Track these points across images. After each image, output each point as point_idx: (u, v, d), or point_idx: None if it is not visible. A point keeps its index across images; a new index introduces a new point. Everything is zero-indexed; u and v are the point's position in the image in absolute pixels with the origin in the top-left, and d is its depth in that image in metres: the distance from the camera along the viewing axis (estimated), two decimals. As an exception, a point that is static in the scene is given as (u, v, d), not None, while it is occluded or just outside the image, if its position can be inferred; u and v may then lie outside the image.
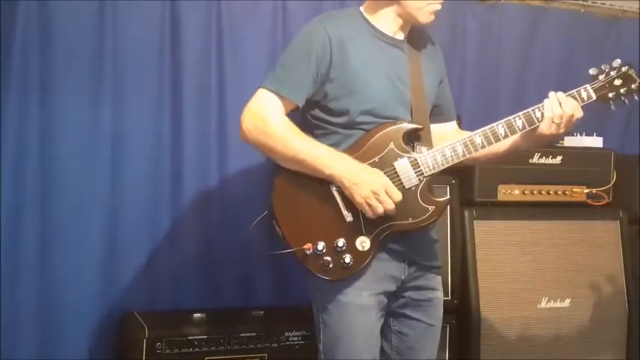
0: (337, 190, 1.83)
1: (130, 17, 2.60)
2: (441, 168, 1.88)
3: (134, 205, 2.62)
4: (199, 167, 2.71)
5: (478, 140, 1.89)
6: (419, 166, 1.86)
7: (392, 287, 1.91)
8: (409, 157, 1.86)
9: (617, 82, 1.93)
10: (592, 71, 1.95)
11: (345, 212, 1.83)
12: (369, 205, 1.79)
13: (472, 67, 3.18)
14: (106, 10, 2.56)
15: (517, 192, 2.87)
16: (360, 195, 1.79)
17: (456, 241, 2.76)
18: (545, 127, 1.88)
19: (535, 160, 2.90)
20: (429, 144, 1.92)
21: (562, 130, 1.89)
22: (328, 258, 1.82)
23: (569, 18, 3.34)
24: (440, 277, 2.04)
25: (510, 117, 1.91)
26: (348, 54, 1.85)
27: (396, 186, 1.83)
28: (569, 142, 3.06)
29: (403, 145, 1.86)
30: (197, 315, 2.51)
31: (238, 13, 2.75)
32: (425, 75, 1.96)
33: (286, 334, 2.47)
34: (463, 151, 1.88)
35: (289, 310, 2.63)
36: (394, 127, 1.87)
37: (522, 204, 2.88)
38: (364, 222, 1.83)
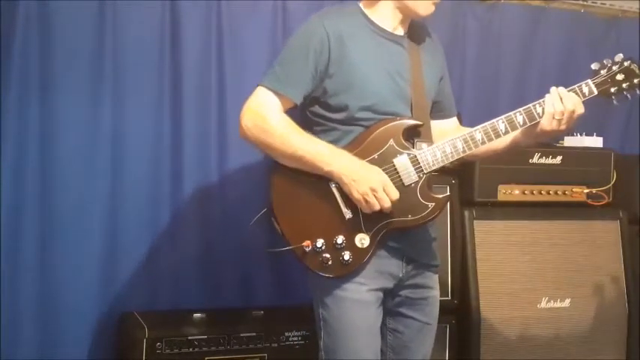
0: (336, 187, 1.83)
1: (130, 17, 2.60)
2: (441, 164, 1.87)
3: (134, 205, 2.62)
4: (199, 167, 2.71)
5: (478, 136, 1.88)
6: (418, 163, 1.86)
7: (390, 284, 1.91)
8: (409, 154, 1.85)
9: (620, 76, 1.92)
10: (594, 66, 1.94)
11: (344, 209, 1.83)
12: (367, 202, 1.79)
13: (472, 67, 3.18)
14: (106, 10, 2.56)
15: (517, 192, 2.87)
16: (358, 191, 1.79)
17: (456, 241, 2.76)
18: (546, 123, 1.87)
19: (535, 160, 2.90)
20: (429, 140, 1.91)
21: (563, 127, 1.88)
22: (327, 255, 1.82)
23: (569, 18, 3.34)
24: (437, 275, 2.04)
25: (511, 113, 1.90)
26: (347, 50, 1.85)
27: (396, 183, 1.83)
28: (569, 142, 3.06)
29: (403, 141, 1.86)
30: (197, 315, 2.51)
31: (238, 13, 2.75)
32: (425, 71, 1.95)
33: (286, 334, 2.47)
34: (463, 148, 1.88)
35: (289, 310, 2.63)
36: (394, 123, 1.87)
37: (522, 204, 2.88)
38: (363, 219, 1.83)
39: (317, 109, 1.90)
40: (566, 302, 2.86)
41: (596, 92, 1.92)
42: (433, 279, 2.01)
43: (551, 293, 2.84)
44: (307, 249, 1.82)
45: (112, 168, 2.59)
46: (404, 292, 1.95)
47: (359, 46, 1.87)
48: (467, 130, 1.94)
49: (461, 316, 2.75)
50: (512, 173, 2.86)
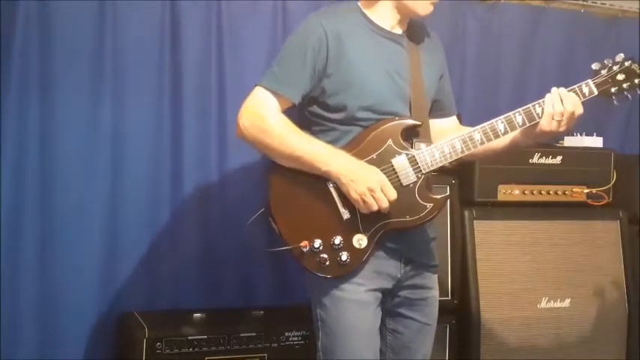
0: (334, 187, 1.82)
1: (130, 17, 2.60)
2: (440, 165, 1.87)
3: (134, 205, 2.62)
4: (199, 167, 2.71)
5: (477, 137, 1.87)
6: (417, 163, 1.85)
7: (388, 285, 1.91)
8: (407, 154, 1.85)
9: (620, 76, 1.91)
10: (594, 66, 1.93)
11: (342, 209, 1.82)
12: (365, 202, 1.78)
13: (472, 67, 3.18)
14: (106, 10, 2.56)
15: (517, 192, 2.87)
16: (355, 191, 1.78)
17: (456, 241, 2.76)
18: (546, 124, 1.86)
19: (535, 160, 2.90)
20: (428, 140, 1.91)
21: (563, 128, 1.87)
22: (325, 255, 1.81)
23: (569, 18, 3.34)
24: (436, 275, 2.03)
25: (510, 113, 1.89)
26: (346, 49, 1.84)
27: (394, 183, 1.82)
28: (569, 142, 3.06)
29: (401, 141, 1.85)
30: (197, 315, 2.51)
31: (238, 13, 2.75)
32: (424, 70, 1.94)
33: (286, 334, 2.47)
34: (462, 148, 1.87)
35: (289, 310, 2.63)
36: (392, 123, 1.86)
37: (522, 204, 2.88)
38: (361, 219, 1.82)
39: (315, 109, 1.90)
40: (566, 302, 2.86)
41: (596, 92, 1.91)
42: (432, 279, 2.01)
43: (552, 293, 2.84)
44: (305, 249, 1.81)
45: (112, 168, 2.59)
46: (403, 293, 1.94)
47: (357, 45, 1.86)
48: (466, 129, 1.93)
49: (461, 316, 2.75)
50: (513, 173, 2.86)
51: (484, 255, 2.78)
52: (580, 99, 1.89)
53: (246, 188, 2.70)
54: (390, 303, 1.95)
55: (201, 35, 2.70)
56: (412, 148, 1.87)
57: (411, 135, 1.88)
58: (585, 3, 3.36)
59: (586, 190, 2.94)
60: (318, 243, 1.81)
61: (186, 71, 2.68)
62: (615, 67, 1.92)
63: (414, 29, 1.98)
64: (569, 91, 1.89)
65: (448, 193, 1.92)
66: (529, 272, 2.82)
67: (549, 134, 1.89)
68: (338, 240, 1.81)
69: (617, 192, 2.98)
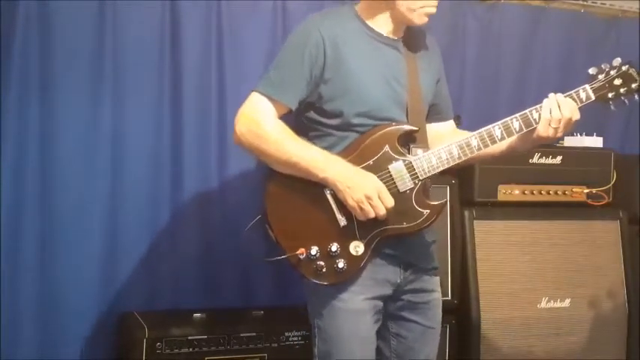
0: (331, 194, 1.81)
1: (130, 17, 2.60)
2: (437, 171, 1.85)
3: (134, 205, 2.62)
4: (199, 167, 2.71)
5: (474, 143, 1.86)
6: (414, 170, 1.84)
7: (388, 291, 1.90)
8: (404, 160, 1.84)
9: (617, 81, 1.90)
10: (591, 70, 1.92)
11: (338, 216, 1.81)
12: (362, 209, 1.77)
13: (472, 67, 3.18)
14: (106, 10, 2.56)
15: (517, 192, 2.87)
16: (352, 198, 1.77)
17: (456, 241, 2.76)
18: (542, 130, 1.86)
19: (535, 160, 2.90)
20: (425, 145, 1.90)
21: (559, 134, 1.86)
22: (321, 263, 1.80)
23: (569, 18, 3.34)
24: (438, 277, 2.02)
25: (507, 118, 1.88)
26: (343, 54, 1.83)
27: (391, 190, 1.81)
28: (569, 142, 3.06)
29: (398, 147, 1.84)
30: (197, 315, 2.51)
31: (238, 13, 2.75)
32: (421, 75, 1.94)
33: (286, 334, 2.47)
34: (459, 154, 1.86)
35: (289, 310, 2.63)
36: (389, 129, 1.85)
37: (522, 204, 2.88)
38: (358, 226, 1.81)
39: (312, 114, 1.88)
40: (566, 302, 2.86)
41: (593, 98, 1.89)
42: (433, 281, 1.99)
43: (551, 293, 2.84)
44: (301, 257, 1.80)
45: (112, 168, 2.59)
46: (405, 297, 1.93)
47: (355, 51, 1.85)
48: (463, 134, 1.92)
49: (461, 316, 2.75)
50: (512, 173, 2.86)
51: (484, 255, 2.78)
52: (577, 104, 1.88)
53: (246, 188, 2.70)
54: (393, 307, 1.94)
55: (201, 35, 2.70)
56: (409, 153, 1.86)
57: (408, 140, 1.87)
58: (585, 3, 3.36)
59: (586, 190, 2.94)
60: (314, 250, 1.80)
61: (186, 71, 2.68)
62: (612, 72, 1.90)
63: (411, 34, 1.97)
64: (566, 96, 1.87)
65: (446, 199, 1.90)
66: (529, 272, 2.82)
67: (546, 140, 1.88)
68: (335, 247, 1.80)
69: (617, 192, 2.99)
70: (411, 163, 1.84)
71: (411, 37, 1.97)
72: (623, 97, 1.91)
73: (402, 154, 1.85)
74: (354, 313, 1.84)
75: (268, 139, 1.80)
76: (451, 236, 2.76)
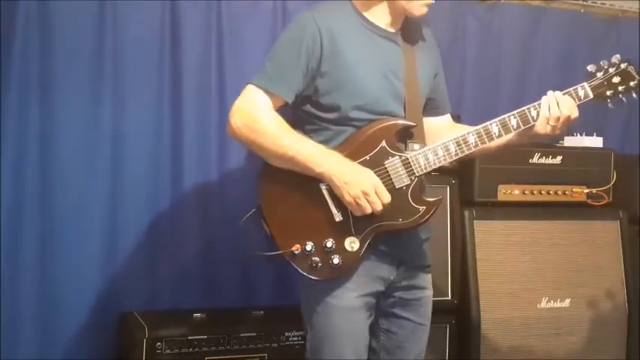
0: (327, 189, 1.80)
1: (130, 17, 2.60)
2: (433, 167, 1.85)
3: (134, 205, 2.62)
4: (199, 167, 2.71)
5: (471, 140, 1.86)
6: (410, 166, 1.83)
7: (381, 288, 1.89)
8: (401, 156, 1.83)
9: (616, 79, 1.89)
10: (590, 68, 1.91)
11: (334, 211, 1.80)
12: (358, 205, 1.77)
13: (472, 67, 3.18)
14: (106, 10, 2.56)
15: (517, 192, 2.87)
16: (349, 194, 1.76)
17: (456, 241, 2.76)
18: (540, 127, 1.86)
19: (535, 160, 2.90)
20: (422, 141, 1.89)
21: (557, 131, 1.86)
22: (317, 258, 1.80)
23: (569, 18, 3.34)
24: (430, 275, 2.01)
25: (505, 115, 1.87)
26: (340, 47, 1.81)
27: (387, 186, 1.80)
28: (569, 142, 3.06)
29: (395, 143, 1.84)
30: (197, 315, 2.51)
31: (238, 13, 2.75)
32: (419, 69, 1.92)
33: (286, 334, 2.48)
34: (456, 151, 1.85)
35: (289, 310, 2.61)
36: (386, 124, 1.84)
37: (522, 204, 2.88)
38: (353, 222, 1.80)
39: (309, 108, 1.87)
40: (566, 302, 2.86)
41: (591, 96, 1.89)
42: (426, 279, 1.99)
43: (551, 293, 2.84)
44: (297, 252, 1.79)
45: (112, 168, 2.59)
46: (397, 293, 1.93)
47: (352, 44, 1.83)
48: (460, 128, 1.91)
49: (461, 316, 2.75)
50: (512, 173, 2.86)
51: (484, 255, 2.78)
52: (575, 102, 1.87)
53: (246, 188, 2.69)
54: (384, 303, 1.93)
55: (201, 35, 2.70)
56: (406, 149, 1.85)
57: (405, 136, 1.87)
58: (585, 3, 3.36)
59: (586, 190, 2.94)
60: (310, 246, 1.79)
61: (186, 71, 2.68)
62: (611, 70, 1.90)
63: (409, 27, 1.95)
64: (564, 94, 1.87)
65: (441, 196, 1.89)
66: (529, 272, 2.82)
67: (544, 137, 1.88)
68: (330, 243, 1.79)
69: (617, 192, 2.99)
70: (407, 159, 1.83)
71: (409, 30, 1.95)
72: (621, 95, 1.91)
73: (399, 150, 1.84)
74: (347, 310, 1.84)
75: (265, 133, 1.79)
76: (451, 236, 2.76)
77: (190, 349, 2.37)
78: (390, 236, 1.85)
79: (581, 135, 3.06)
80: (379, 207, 1.78)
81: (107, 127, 2.58)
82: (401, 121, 1.86)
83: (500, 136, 1.87)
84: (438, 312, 2.63)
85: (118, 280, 2.61)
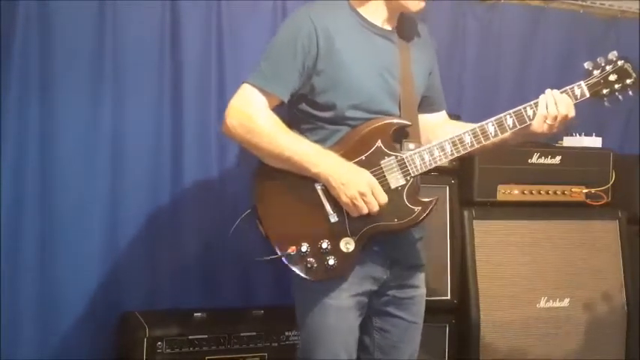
0: (322, 189, 1.79)
1: (130, 17, 2.60)
2: (429, 168, 1.85)
3: (134, 205, 2.63)
4: (199, 167, 2.71)
5: (467, 139, 1.85)
6: (406, 166, 1.83)
7: (373, 287, 1.89)
8: (396, 157, 1.82)
9: (612, 77, 1.88)
10: (587, 65, 1.90)
11: (330, 212, 1.79)
12: (355, 206, 1.76)
13: (472, 67, 3.18)
14: (106, 10, 2.56)
15: (516, 192, 2.87)
16: (346, 195, 1.76)
17: (455, 241, 2.76)
18: (537, 126, 1.85)
19: (534, 160, 2.90)
20: (417, 140, 1.88)
21: (554, 130, 1.86)
22: (312, 259, 1.79)
23: (569, 18, 3.35)
24: (423, 274, 2.01)
25: (501, 115, 1.87)
26: (336, 45, 1.80)
27: (383, 186, 1.80)
28: (568, 142, 3.06)
29: (391, 142, 1.83)
30: (197, 314, 2.51)
31: (238, 13, 2.75)
32: (414, 67, 1.92)
33: (286, 333, 2.48)
34: (451, 151, 1.85)
35: (289, 310, 2.58)
36: (382, 123, 1.83)
37: (521, 204, 2.88)
38: (349, 222, 1.79)
39: (304, 106, 1.86)
40: (566, 302, 2.86)
41: (588, 95, 1.88)
42: (419, 278, 1.99)
43: (551, 293, 2.84)
44: (292, 253, 1.79)
45: (112, 168, 2.59)
46: (391, 292, 1.93)
47: (348, 42, 1.82)
48: (456, 124, 1.91)
49: (460, 316, 2.75)
50: (512, 173, 2.86)
51: (483, 255, 2.78)
52: (572, 101, 1.87)
53: (246, 188, 2.68)
54: (378, 302, 1.93)
55: (201, 35, 2.70)
56: (401, 148, 1.84)
57: (401, 135, 1.86)
58: (585, 3, 3.37)
59: (585, 190, 2.95)
60: (305, 247, 1.78)
61: (186, 71, 2.68)
62: (608, 67, 1.89)
63: (405, 24, 1.94)
64: (561, 92, 1.87)
65: (437, 197, 1.88)
66: (528, 272, 2.82)
67: (540, 135, 1.88)
68: (325, 244, 1.78)
69: (616, 192, 2.99)
70: (403, 159, 1.83)
71: (404, 27, 1.94)
72: (617, 93, 1.90)
73: (395, 150, 1.83)
74: (339, 309, 1.84)
75: (260, 132, 1.78)
76: (450, 236, 2.76)
77: (191, 349, 2.37)
78: (384, 236, 1.85)
79: (580, 135, 3.06)
80: (376, 208, 1.77)
81: (107, 127, 2.58)
82: (396, 120, 1.85)
83: (496, 135, 1.87)
84: (438, 312, 2.66)
85: (118, 280, 2.61)
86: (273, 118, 1.80)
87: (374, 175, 1.80)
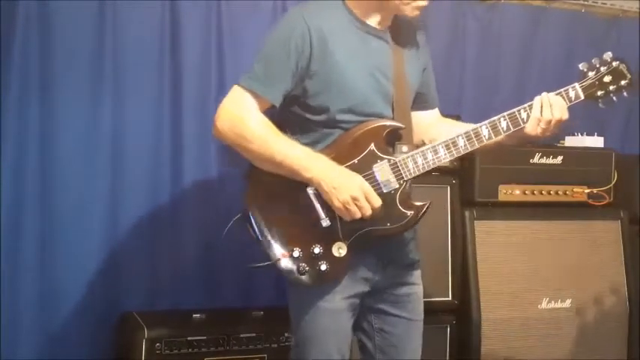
0: (314, 194, 1.77)
1: (130, 17, 2.60)
2: (422, 171, 1.82)
3: (134, 205, 2.63)
4: (199, 167, 2.71)
5: (461, 143, 1.83)
6: (399, 170, 1.81)
7: (365, 288, 1.88)
8: (389, 160, 1.80)
9: (607, 78, 1.87)
10: (582, 66, 1.88)
11: (322, 216, 1.77)
12: (348, 210, 1.74)
13: (472, 67, 3.18)
14: (106, 10, 2.56)
15: (518, 192, 2.87)
16: (338, 199, 1.73)
17: (456, 241, 2.75)
18: (531, 129, 1.84)
19: (536, 160, 2.89)
20: (410, 142, 1.86)
21: (548, 133, 1.85)
22: (304, 264, 1.78)
23: (570, 18, 3.35)
24: (419, 271, 1.98)
25: (495, 118, 1.85)
26: (330, 46, 1.78)
27: (375, 190, 1.78)
28: (570, 142, 3.06)
29: (383, 145, 1.81)
30: (197, 315, 2.51)
31: (238, 13, 2.76)
32: (408, 67, 1.90)
33: (286, 334, 2.47)
34: (445, 154, 1.83)
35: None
36: (375, 126, 1.81)
37: (523, 204, 2.87)
38: (341, 226, 1.77)
39: (296, 109, 1.84)
40: (567, 303, 2.86)
41: (582, 97, 1.87)
42: (415, 275, 1.97)
43: (552, 294, 2.83)
44: (284, 259, 1.78)
45: (112, 168, 2.60)
46: (387, 291, 1.91)
47: (341, 43, 1.80)
48: (448, 122, 1.89)
49: (461, 316, 2.74)
50: (513, 173, 2.86)
51: (484, 255, 2.78)
52: (567, 103, 1.86)
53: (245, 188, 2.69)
54: (375, 302, 1.92)
55: (201, 35, 2.70)
56: (394, 151, 1.83)
57: (393, 138, 1.84)
58: (586, 3, 3.36)
59: (587, 190, 2.94)
60: (297, 252, 1.77)
61: (186, 71, 2.68)
62: (603, 69, 1.87)
63: (398, 23, 1.92)
64: (556, 94, 1.85)
65: (430, 200, 1.86)
66: (529, 272, 2.82)
67: (534, 138, 1.87)
68: (317, 249, 1.77)
69: (617, 192, 2.98)
70: (396, 163, 1.81)
71: (398, 27, 1.92)
72: (612, 95, 1.88)
73: (388, 153, 1.81)
74: (332, 312, 1.83)
75: (252, 136, 1.76)
76: (452, 236, 2.75)
77: (190, 350, 2.36)
78: (377, 240, 1.83)
79: (581, 135, 3.06)
80: (369, 212, 1.75)
81: (107, 127, 2.58)
82: (389, 123, 1.83)
83: (490, 138, 1.85)
84: (439, 312, 2.66)
85: (118, 280, 2.61)
86: (264, 121, 1.78)
87: (366, 179, 1.78)
